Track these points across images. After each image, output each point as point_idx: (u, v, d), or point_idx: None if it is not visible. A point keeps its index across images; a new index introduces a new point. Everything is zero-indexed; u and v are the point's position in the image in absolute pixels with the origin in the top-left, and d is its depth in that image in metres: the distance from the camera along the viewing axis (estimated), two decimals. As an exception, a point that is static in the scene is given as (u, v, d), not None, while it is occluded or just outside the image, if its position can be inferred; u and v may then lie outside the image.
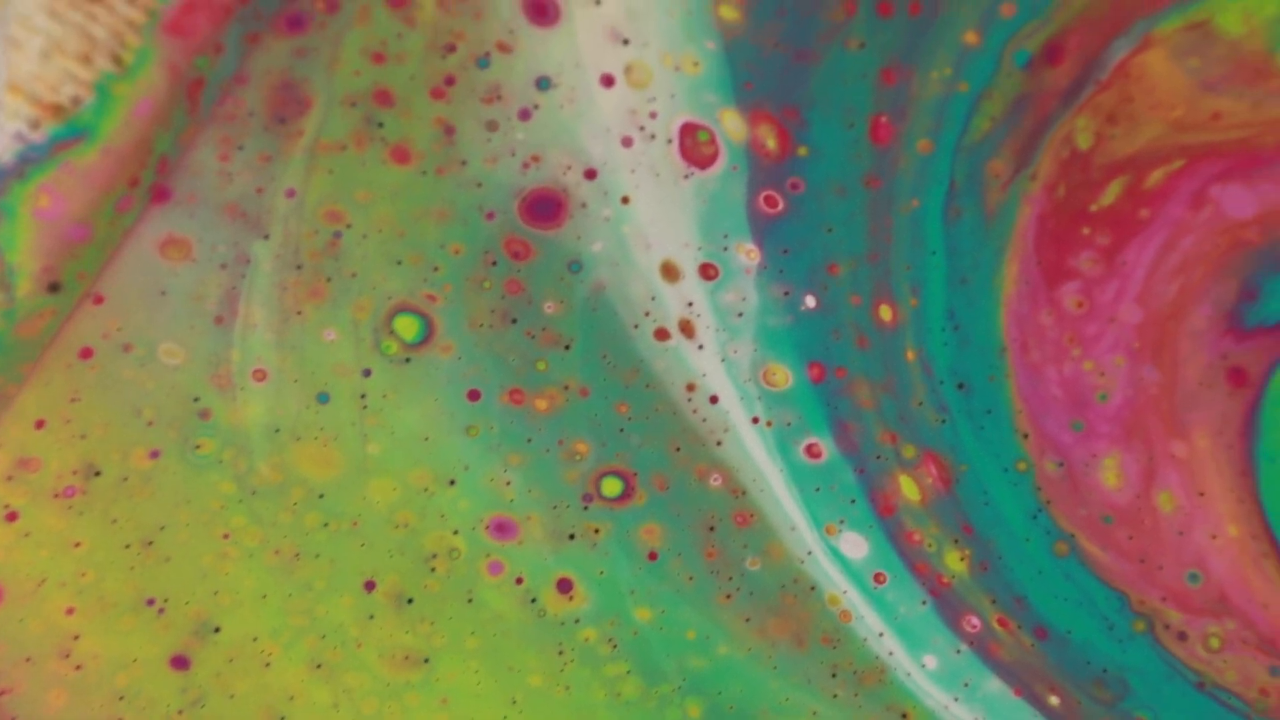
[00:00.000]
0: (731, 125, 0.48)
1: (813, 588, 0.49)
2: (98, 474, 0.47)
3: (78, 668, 0.48)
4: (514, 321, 0.48)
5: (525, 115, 0.48)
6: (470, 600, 0.48)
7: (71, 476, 0.47)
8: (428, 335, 0.48)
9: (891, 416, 0.50)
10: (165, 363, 0.47)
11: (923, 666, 0.50)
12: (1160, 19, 0.48)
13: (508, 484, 0.48)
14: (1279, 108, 0.48)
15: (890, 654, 0.50)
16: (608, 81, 0.48)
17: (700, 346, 0.49)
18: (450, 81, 0.47)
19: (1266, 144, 0.48)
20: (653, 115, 0.48)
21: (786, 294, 0.49)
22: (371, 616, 0.49)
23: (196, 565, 0.48)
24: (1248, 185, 0.49)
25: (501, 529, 0.48)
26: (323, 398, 0.47)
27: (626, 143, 0.48)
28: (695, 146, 0.48)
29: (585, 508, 0.49)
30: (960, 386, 0.50)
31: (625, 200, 0.48)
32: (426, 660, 0.49)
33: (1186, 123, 0.49)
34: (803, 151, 0.49)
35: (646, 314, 0.49)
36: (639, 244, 0.48)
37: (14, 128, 0.44)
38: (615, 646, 0.49)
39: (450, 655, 0.49)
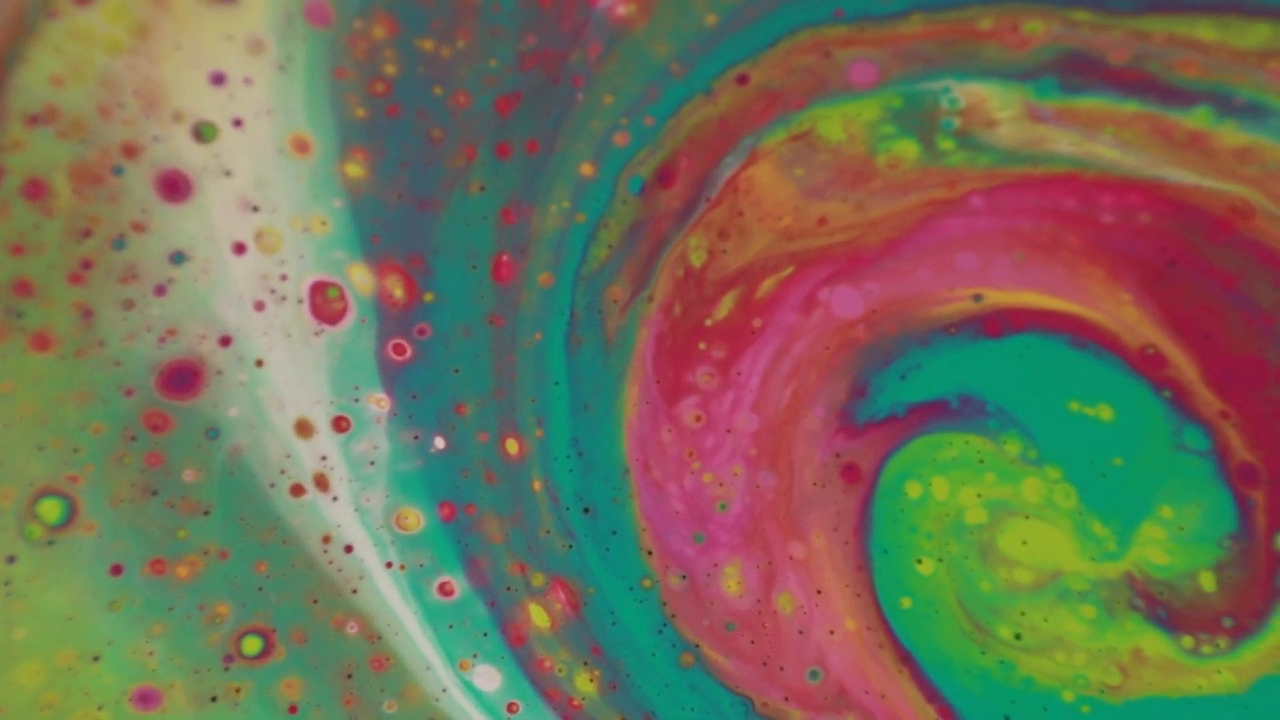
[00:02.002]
0: (359, 279, 0.50)
1: (448, 725, 0.50)
2: None
3: None
4: (155, 493, 0.49)
5: (161, 291, 0.49)
6: (115, 774, 0.49)
7: None
8: (71, 516, 0.49)
9: (520, 547, 0.51)
10: None
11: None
12: (766, 133, 0.50)
13: (150, 654, 0.49)
14: (880, 208, 0.50)
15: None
16: (239, 249, 0.49)
17: (335, 498, 0.50)
18: (88, 265, 0.49)
19: (870, 244, 0.50)
20: (284, 278, 0.50)
21: (417, 438, 0.51)
22: (19, 802, 0.49)
23: None
24: (854, 285, 0.50)
25: (145, 699, 0.49)
26: (-32, 588, 0.48)
27: (259, 307, 0.50)
28: (325, 304, 0.50)
29: (226, 669, 0.49)
30: (586, 511, 0.51)
31: (259, 363, 0.50)
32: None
33: (794, 230, 0.50)
34: (429, 297, 0.50)
35: (282, 472, 0.50)
36: (274, 404, 0.50)
37: None
38: (263, 804, 0.50)
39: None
